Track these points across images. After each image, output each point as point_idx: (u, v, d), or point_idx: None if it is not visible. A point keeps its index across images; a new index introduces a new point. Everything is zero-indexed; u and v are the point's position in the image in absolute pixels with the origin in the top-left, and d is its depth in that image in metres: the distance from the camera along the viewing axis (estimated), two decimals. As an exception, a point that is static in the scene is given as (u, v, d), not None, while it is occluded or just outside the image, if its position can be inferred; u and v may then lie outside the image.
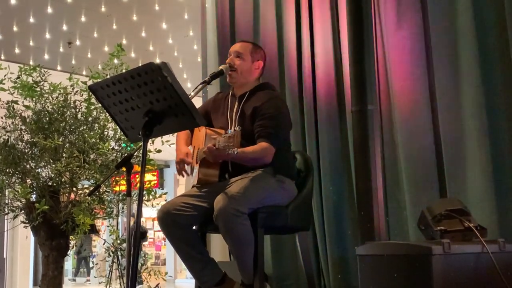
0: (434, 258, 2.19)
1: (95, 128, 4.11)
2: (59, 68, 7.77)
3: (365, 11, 3.29)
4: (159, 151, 4.08)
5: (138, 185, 2.02)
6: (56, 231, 3.90)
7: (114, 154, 4.06)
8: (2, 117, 4.10)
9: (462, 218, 2.41)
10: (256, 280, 2.56)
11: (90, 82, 3.32)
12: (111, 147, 4.04)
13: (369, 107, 3.17)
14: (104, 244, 4.59)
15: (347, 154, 3.75)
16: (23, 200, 3.96)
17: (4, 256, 9.72)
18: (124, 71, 2.97)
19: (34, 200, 3.97)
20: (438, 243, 2.25)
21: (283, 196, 2.74)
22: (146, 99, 2.01)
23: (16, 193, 3.91)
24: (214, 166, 2.71)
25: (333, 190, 3.77)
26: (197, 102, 2.36)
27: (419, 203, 3.09)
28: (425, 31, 3.37)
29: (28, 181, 3.99)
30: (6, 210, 4.05)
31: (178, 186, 13.92)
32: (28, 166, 4.00)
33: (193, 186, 2.80)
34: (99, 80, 3.41)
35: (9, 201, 4.06)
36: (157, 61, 7.08)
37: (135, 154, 2.35)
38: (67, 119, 4.06)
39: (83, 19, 6.70)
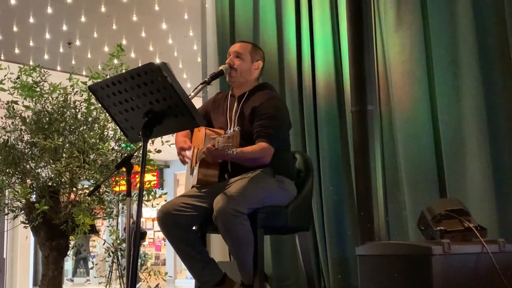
0: (434, 258, 2.19)
1: (95, 128, 4.11)
2: (59, 68, 7.77)
3: (365, 11, 3.29)
4: (159, 151, 4.08)
5: (138, 185, 2.02)
6: (56, 231, 3.90)
7: (114, 154, 4.06)
8: (2, 118, 4.10)
9: (462, 218, 2.41)
10: (256, 280, 2.56)
11: (90, 82, 3.32)
12: (111, 147, 4.04)
13: (369, 107, 3.17)
14: (104, 244, 4.59)
15: (347, 154, 3.75)
16: (23, 201, 3.96)
17: (4, 256, 9.72)
18: (124, 71, 2.96)
19: (34, 200, 3.97)
20: (438, 243, 2.24)
21: (282, 196, 2.74)
22: (146, 100, 2.01)
23: (16, 193, 3.91)
24: (214, 167, 2.71)
25: (333, 190, 3.77)
26: (197, 102, 2.36)
27: (419, 203, 3.09)
28: (425, 31, 3.37)
29: (28, 181, 3.99)
30: (6, 210, 4.05)
31: (178, 186, 13.92)
32: (28, 166, 4.00)
33: (192, 187, 2.81)
34: (99, 80, 3.42)
35: (9, 201, 4.06)
36: (157, 61, 7.10)
37: (135, 154, 2.35)
38: (67, 119, 4.06)
39: (83, 19, 6.70)
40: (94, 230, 4.40)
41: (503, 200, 2.94)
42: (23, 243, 9.38)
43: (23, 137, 4.06)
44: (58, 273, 3.96)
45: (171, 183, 13.84)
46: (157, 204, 3.94)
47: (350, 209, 3.69)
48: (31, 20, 6.66)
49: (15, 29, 6.88)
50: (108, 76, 4.00)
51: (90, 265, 13.73)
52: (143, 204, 2.53)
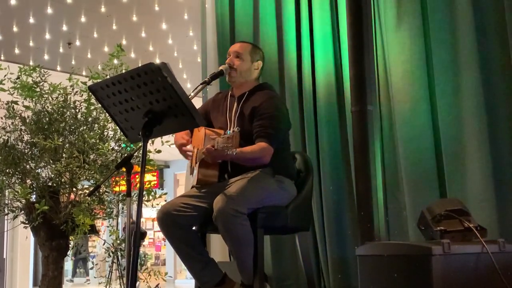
0: (434, 258, 2.19)
1: (95, 129, 4.11)
2: (59, 68, 7.76)
3: (365, 11, 3.29)
4: (159, 151, 4.08)
5: (138, 185, 2.02)
6: (56, 232, 3.90)
7: (114, 155, 4.06)
8: (2, 118, 4.10)
9: (462, 218, 2.41)
10: (256, 281, 2.56)
11: (90, 83, 3.32)
12: (111, 147, 4.04)
13: (369, 107, 3.17)
14: (104, 244, 4.59)
15: (347, 154, 3.75)
16: (23, 201, 3.96)
17: (4, 257, 9.72)
18: (124, 71, 2.96)
19: (34, 200, 3.97)
20: (438, 243, 2.24)
21: (282, 196, 2.74)
22: (146, 100, 2.01)
23: (16, 193, 3.91)
24: (213, 167, 2.71)
25: (333, 190, 3.77)
26: (197, 102, 2.36)
27: (419, 203, 3.09)
28: (425, 31, 3.38)
29: (28, 181, 3.99)
30: (6, 210, 4.05)
31: (178, 187, 13.92)
32: (28, 166, 4.00)
33: (192, 187, 2.80)
34: (99, 80, 3.42)
35: (9, 202, 4.06)
36: (157, 61, 7.09)
37: (135, 154, 2.35)
38: (67, 120, 4.06)
39: (83, 19, 6.69)
40: (94, 230, 4.41)
41: (503, 200, 2.94)
42: (23, 243, 9.38)
43: (23, 137, 4.06)
44: (58, 273, 3.96)
45: (171, 183, 13.85)
46: (157, 204, 3.94)
47: (350, 209, 3.69)
48: (31, 20, 6.66)
49: (15, 29, 6.88)
50: (108, 76, 4.00)
51: (89, 265, 13.73)
52: (143, 204, 2.53)
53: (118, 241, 4.41)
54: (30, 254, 10.17)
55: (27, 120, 4.04)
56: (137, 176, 2.86)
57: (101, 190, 4.07)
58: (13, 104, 4.05)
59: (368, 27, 3.30)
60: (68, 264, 14.07)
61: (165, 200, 4.60)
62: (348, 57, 3.39)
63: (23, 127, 4.06)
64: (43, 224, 3.85)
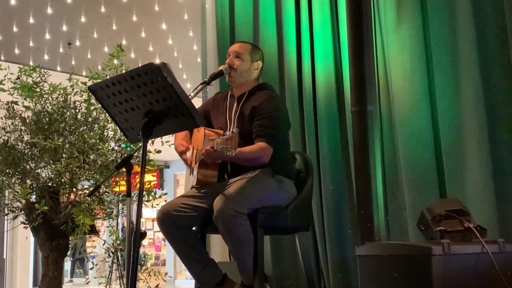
0: (434, 258, 2.19)
1: (95, 129, 4.11)
2: (59, 68, 7.76)
3: (365, 11, 3.29)
4: (159, 151, 4.08)
5: (138, 185, 2.02)
6: (56, 232, 3.90)
7: (114, 155, 4.06)
8: (2, 118, 4.10)
9: (462, 219, 2.41)
10: (256, 281, 2.56)
11: (90, 83, 3.32)
12: (111, 147, 4.04)
13: (369, 107, 3.17)
14: (104, 244, 4.59)
15: (347, 154, 3.75)
16: (23, 201, 3.96)
17: (4, 257, 9.72)
18: (124, 71, 2.96)
19: (34, 200, 3.97)
20: (438, 243, 2.24)
21: (282, 196, 2.74)
22: (146, 100, 2.01)
23: (16, 193, 3.91)
24: (213, 167, 2.71)
25: (333, 190, 3.77)
26: (197, 102, 2.36)
27: (419, 203, 3.09)
28: (425, 31, 3.37)
29: (28, 181, 3.99)
30: (6, 210, 4.05)
31: (178, 187, 13.91)
32: (28, 166, 4.00)
33: (192, 187, 2.80)
34: (99, 80, 3.42)
35: (9, 202, 4.06)
36: (157, 61, 7.10)
37: (135, 154, 2.35)
38: (67, 120, 4.06)
39: (82, 19, 6.69)
40: (94, 231, 4.40)
41: (503, 200, 2.94)
42: (23, 243, 9.38)
43: (23, 138, 4.06)
44: (58, 274, 3.96)
45: (171, 184, 13.84)
46: (157, 204, 3.94)
47: (350, 209, 3.69)
48: (31, 20, 6.66)
49: (15, 29, 6.88)
50: (108, 77, 4.00)
51: (89, 265, 13.73)
52: (143, 205, 2.53)
53: (118, 241, 4.41)
54: (30, 254, 10.17)
55: (27, 120, 4.04)
56: (137, 176, 2.86)
57: (101, 190, 4.07)
58: (13, 104, 4.05)
59: (368, 27, 3.30)
60: (67, 265, 14.07)
61: (165, 201, 4.59)
62: (348, 57, 3.39)
63: (23, 127, 4.06)
64: (43, 224, 3.85)
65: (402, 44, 3.44)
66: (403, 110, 3.39)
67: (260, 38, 4.25)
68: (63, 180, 3.97)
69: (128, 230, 2.04)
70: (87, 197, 3.93)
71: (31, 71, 4.10)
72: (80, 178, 3.98)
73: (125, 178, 3.02)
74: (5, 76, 4.04)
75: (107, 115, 3.48)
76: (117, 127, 2.34)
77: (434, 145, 3.29)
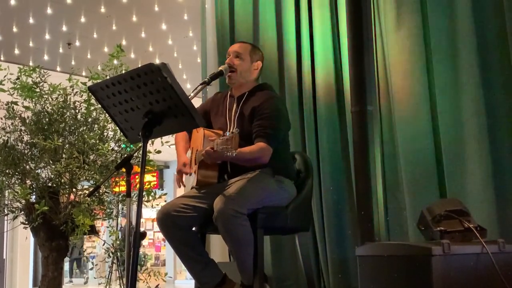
0: (434, 258, 2.19)
1: (94, 129, 4.11)
2: (58, 69, 7.77)
3: (365, 11, 3.29)
4: (158, 152, 4.08)
5: (138, 186, 2.02)
6: (56, 232, 3.90)
7: (114, 155, 4.06)
8: (2, 118, 4.10)
9: (462, 219, 2.41)
10: (256, 281, 2.56)
11: (89, 83, 3.32)
12: (111, 148, 4.04)
13: (369, 107, 3.17)
14: (103, 245, 4.59)
15: (347, 155, 3.75)
16: (23, 201, 3.96)
17: (4, 257, 9.72)
18: (123, 72, 2.96)
19: (34, 201, 3.97)
20: (438, 243, 2.24)
21: (282, 197, 2.74)
22: (146, 100, 2.01)
23: (16, 194, 3.91)
24: (213, 168, 2.71)
25: (333, 190, 3.77)
26: (197, 103, 2.36)
27: (419, 203, 3.08)
28: (425, 31, 3.37)
29: (28, 182, 3.98)
30: (5, 211, 4.05)
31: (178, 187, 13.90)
32: (27, 167, 4.00)
33: (192, 188, 2.80)
34: (98, 81, 3.42)
35: (9, 202, 4.06)
36: (157, 62, 7.08)
37: (134, 155, 2.35)
38: (67, 120, 4.06)
39: (82, 20, 6.70)
40: (93, 231, 4.40)
41: (503, 200, 2.94)
42: (23, 243, 9.38)
43: (23, 138, 4.06)
44: (58, 274, 3.96)
45: (171, 184, 13.84)
46: (157, 204, 3.94)
47: (350, 209, 3.69)
48: (31, 20, 6.66)
49: (15, 29, 6.88)
50: (108, 77, 4.00)
51: (89, 265, 13.72)
52: (142, 205, 2.53)
53: (118, 242, 4.41)
54: (30, 255, 10.17)
55: (27, 121, 4.04)
56: (137, 177, 2.86)
57: (101, 191, 4.07)
58: (13, 104, 4.05)
59: (368, 27, 3.30)
60: (66, 265, 14.07)
61: (165, 201, 4.59)
62: (348, 57, 3.39)
63: (23, 128, 4.05)
64: (43, 225, 3.84)
65: (402, 44, 3.44)
66: (403, 110, 3.39)
67: (260, 38, 4.25)
68: (63, 180, 3.97)
69: (128, 230, 2.04)
70: (87, 198, 3.93)
71: (31, 72, 4.10)
72: (80, 179, 3.98)
73: (125, 179, 3.02)
74: (5, 76, 4.04)
75: (107, 115, 3.48)
76: (117, 128, 2.34)
77: (434, 145, 3.28)
